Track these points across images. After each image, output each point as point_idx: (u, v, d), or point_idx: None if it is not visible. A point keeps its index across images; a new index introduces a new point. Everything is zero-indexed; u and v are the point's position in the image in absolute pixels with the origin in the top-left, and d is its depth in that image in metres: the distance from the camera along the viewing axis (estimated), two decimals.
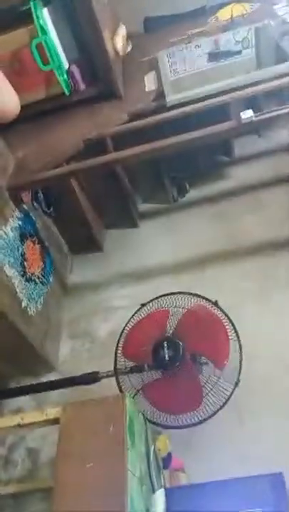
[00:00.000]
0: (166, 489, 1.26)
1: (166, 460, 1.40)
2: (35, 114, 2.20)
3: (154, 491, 1.26)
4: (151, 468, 1.31)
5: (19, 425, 1.22)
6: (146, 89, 2.14)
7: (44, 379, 1.98)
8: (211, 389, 1.46)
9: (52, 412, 1.23)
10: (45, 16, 1.88)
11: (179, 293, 1.63)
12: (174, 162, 2.52)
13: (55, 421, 1.23)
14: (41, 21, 1.84)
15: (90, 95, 2.15)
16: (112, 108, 2.14)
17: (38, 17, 1.83)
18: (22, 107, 2.16)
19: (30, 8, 1.81)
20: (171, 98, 1.98)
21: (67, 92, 2.08)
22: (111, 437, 1.16)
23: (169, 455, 1.42)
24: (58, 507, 1.06)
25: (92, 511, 1.04)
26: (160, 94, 2.03)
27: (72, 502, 1.07)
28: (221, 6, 2.34)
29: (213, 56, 2.14)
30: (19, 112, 2.06)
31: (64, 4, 2.00)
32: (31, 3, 1.81)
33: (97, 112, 2.15)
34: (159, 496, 1.20)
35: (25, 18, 1.84)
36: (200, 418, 1.42)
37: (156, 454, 1.36)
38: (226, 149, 2.70)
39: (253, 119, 1.65)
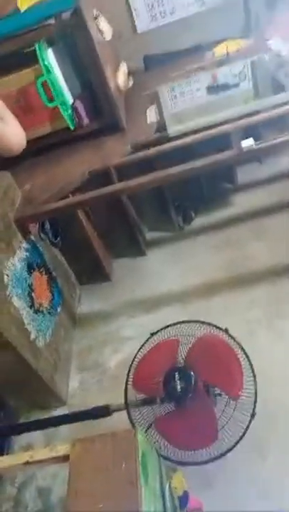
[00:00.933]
0: None
1: (183, 499, 1.32)
2: (41, 148, 2.27)
3: None
4: (166, 508, 1.24)
5: (28, 462, 1.17)
6: (148, 122, 2.20)
7: (54, 412, 1.93)
8: (227, 421, 1.40)
9: (61, 449, 1.18)
10: (49, 56, 1.97)
11: (189, 321, 1.60)
12: (178, 190, 2.55)
13: (65, 458, 1.18)
14: (46, 62, 1.93)
15: (93, 129, 2.22)
16: (115, 140, 2.20)
17: (43, 58, 1.92)
18: (28, 142, 2.24)
19: (35, 50, 1.90)
20: (172, 129, 2.03)
21: (71, 127, 2.15)
22: (123, 475, 1.11)
23: (186, 494, 1.34)
24: None
25: None
26: (162, 126, 2.09)
27: None
28: (217, 43, 2.44)
29: (212, 89, 2.20)
30: (26, 147, 2.14)
31: (67, 44, 2.10)
32: (36, 45, 1.91)
33: (101, 144, 2.21)
34: None
35: (30, 58, 1.93)
36: (217, 453, 1.36)
37: (172, 493, 1.29)
38: (229, 176, 2.74)
39: (254, 147, 1.67)
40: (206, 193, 2.68)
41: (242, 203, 2.66)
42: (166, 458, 1.41)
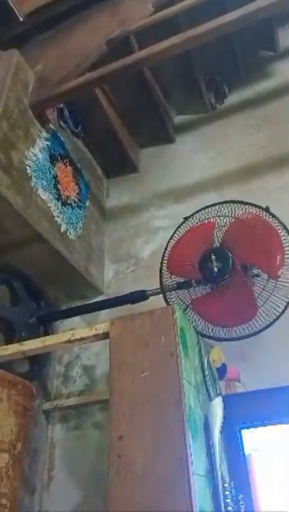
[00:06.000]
0: (223, 397, 1.24)
1: (221, 370, 1.37)
2: (50, 20, 1.98)
3: (211, 399, 1.25)
4: (206, 378, 1.29)
5: (70, 341, 1.22)
6: None
7: (92, 301, 1.99)
8: (266, 301, 1.37)
9: (101, 327, 1.21)
10: None
11: (225, 202, 1.49)
12: (209, 62, 2.23)
13: (105, 336, 1.22)
14: None
15: None
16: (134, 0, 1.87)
17: None
18: (34, 12, 1.96)
19: None
20: None
21: None
22: (163, 348, 1.13)
23: (224, 366, 1.39)
24: (116, 414, 1.07)
25: (151, 418, 1.04)
26: None
27: (129, 410, 1.07)
28: None
29: None
30: (32, 20, 1.87)
31: None
32: None
33: (118, 6, 1.89)
34: (217, 403, 1.19)
35: None
36: (255, 329, 1.36)
37: (211, 365, 1.34)
38: (268, 41, 2.33)
39: None
40: (242, 63, 2.33)
41: (283, 71, 2.31)
42: (203, 335, 1.43)
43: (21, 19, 1.92)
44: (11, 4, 1.86)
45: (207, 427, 1.14)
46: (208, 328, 1.45)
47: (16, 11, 1.87)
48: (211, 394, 1.26)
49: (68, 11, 1.93)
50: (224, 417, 1.17)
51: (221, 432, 1.15)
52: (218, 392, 1.29)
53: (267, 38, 2.34)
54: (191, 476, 0.93)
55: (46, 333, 1.85)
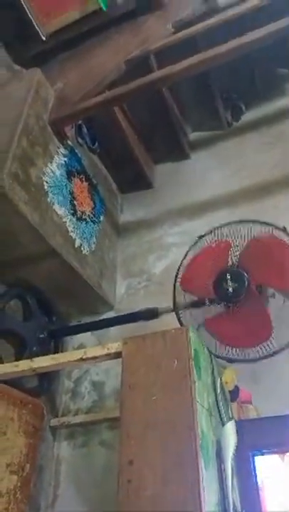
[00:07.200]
0: (236, 421, 1.21)
1: (234, 393, 1.34)
2: (71, 40, 2.03)
3: (223, 424, 1.22)
4: (219, 400, 1.26)
5: (82, 359, 1.21)
6: None
7: (103, 317, 1.98)
8: (281, 322, 1.35)
9: (113, 346, 1.20)
10: None
11: (241, 221, 1.48)
12: (226, 80, 2.24)
13: (117, 355, 1.20)
14: None
15: (129, 8, 1.93)
16: (154, 20, 1.91)
17: None
18: (57, 32, 2.00)
19: None
20: None
21: (104, 7, 1.87)
22: (176, 371, 1.11)
23: (237, 388, 1.36)
24: (127, 437, 1.05)
25: (162, 442, 1.02)
26: None
27: (140, 433, 1.05)
28: None
29: None
30: (54, 39, 1.92)
31: None
32: None
33: (138, 27, 1.93)
34: (230, 428, 1.16)
35: None
36: (270, 351, 1.33)
37: (224, 387, 1.31)
38: (286, 59, 2.35)
39: None
40: (259, 81, 2.34)
41: None
42: (217, 356, 1.41)
43: (44, 39, 1.97)
44: (36, 25, 1.91)
45: (220, 453, 1.11)
46: (221, 349, 1.42)
47: (39, 31, 1.92)
48: (223, 417, 1.23)
49: (89, 31, 1.98)
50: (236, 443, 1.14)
51: (233, 458, 1.12)
52: (231, 415, 1.26)
53: (283, 56, 2.36)
54: (203, 507, 0.90)
55: (56, 348, 1.85)
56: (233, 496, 1.08)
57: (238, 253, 1.44)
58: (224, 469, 1.10)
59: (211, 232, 1.54)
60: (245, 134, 2.35)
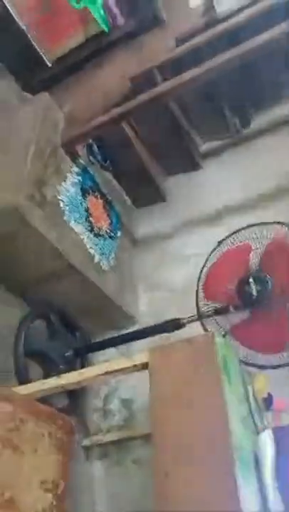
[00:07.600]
0: (273, 429, 1.17)
1: (268, 401, 1.30)
2: (76, 63, 2.09)
3: (258, 433, 1.17)
4: (252, 409, 1.22)
5: (108, 372, 1.19)
6: (191, 6, 1.89)
7: (128, 331, 1.97)
8: None
9: (139, 358, 1.18)
10: None
11: (260, 224, 1.46)
12: (233, 88, 2.25)
13: (144, 366, 1.18)
14: None
15: (131, 29, 1.97)
16: (156, 37, 1.95)
17: None
18: (62, 57, 2.06)
19: None
20: (222, 8, 1.73)
21: (106, 29, 1.92)
22: (206, 379, 1.08)
23: (270, 395, 1.31)
24: (159, 451, 1.02)
25: (198, 455, 0.98)
26: (208, 7, 1.78)
27: (173, 446, 1.02)
28: None
29: None
30: (59, 63, 1.98)
31: None
32: None
33: (141, 45, 1.97)
34: (266, 438, 1.12)
35: None
36: None
37: (256, 395, 1.27)
38: None
39: None
40: (267, 86, 2.33)
41: None
42: (246, 363, 1.37)
43: (50, 64, 2.03)
44: (40, 52, 1.98)
45: (257, 464, 1.07)
46: (249, 355, 1.39)
47: (44, 57, 1.99)
48: (258, 427, 1.19)
49: (93, 53, 2.03)
50: (277, 453, 1.10)
51: (272, 468, 1.07)
52: (266, 425, 1.22)
53: None
54: None
55: (82, 366, 1.84)
56: (275, 508, 1.03)
57: (259, 256, 1.42)
58: (263, 480, 1.05)
59: (231, 235, 1.52)
60: (256, 140, 2.34)
